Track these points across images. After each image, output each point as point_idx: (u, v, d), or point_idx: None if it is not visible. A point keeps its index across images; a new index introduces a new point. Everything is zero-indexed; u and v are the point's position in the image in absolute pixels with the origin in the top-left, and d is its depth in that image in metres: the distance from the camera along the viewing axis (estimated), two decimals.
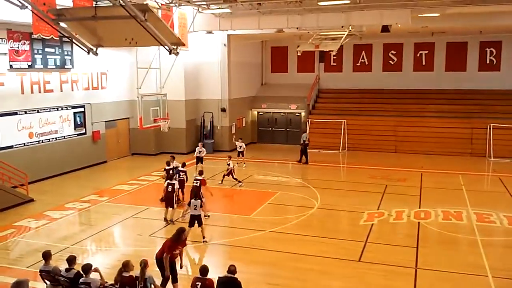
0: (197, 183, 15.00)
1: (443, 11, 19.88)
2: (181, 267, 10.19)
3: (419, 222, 14.68)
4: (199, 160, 21.20)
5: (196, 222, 12.96)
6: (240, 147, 22.85)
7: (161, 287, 9.47)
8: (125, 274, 8.49)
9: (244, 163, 22.87)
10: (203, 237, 13.09)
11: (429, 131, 26.50)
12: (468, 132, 25.94)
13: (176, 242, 9.83)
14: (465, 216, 15.28)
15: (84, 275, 8.53)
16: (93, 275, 8.62)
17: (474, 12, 20.40)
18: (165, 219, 14.77)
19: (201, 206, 13.19)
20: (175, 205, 14.68)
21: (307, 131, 26.74)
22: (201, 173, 15.68)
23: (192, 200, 13.03)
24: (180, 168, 16.66)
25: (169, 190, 14.59)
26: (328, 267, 11.52)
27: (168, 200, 14.64)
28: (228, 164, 19.17)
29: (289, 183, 20.42)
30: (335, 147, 27.17)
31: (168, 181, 14.95)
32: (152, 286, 8.45)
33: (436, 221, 14.86)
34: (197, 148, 21.45)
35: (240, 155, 22.91)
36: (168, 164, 16.97)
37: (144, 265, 8.46)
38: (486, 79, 28.20)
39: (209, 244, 13.17)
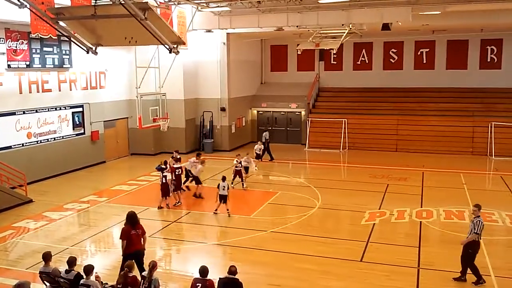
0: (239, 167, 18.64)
1: (444, 9, 19.77)
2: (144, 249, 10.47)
3: (421, 222, 14.60)
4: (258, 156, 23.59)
5: (223, 201, 15.36)
6: (260, 149, 23.73)
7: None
8: (129, 275, 8.46)
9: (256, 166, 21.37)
10: (227, 210, 15.38)
11: (430, 130, 26.41)
12: (469, 131, 25.86)
13: (133, 225, 10.17)
14: (467, 215, 15.18)
15: (84, 277, 8.42)
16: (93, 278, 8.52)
17: (475, 9, 20.30)
18: (160, 207, 16.25)
19: (228, 188, 15.58)
20: (170, 194, 16.41)
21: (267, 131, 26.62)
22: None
23: (221, 183, 15.46)
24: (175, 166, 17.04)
25: (163, 182, 16.16)
26: (330, 267, 11.43)
27: (165, 190, 16.19)
28: (240, 163, 18.93)
29: (289, 182, 20.32)
30: (335, 146, 27.07)
31: (163, 174, 16.33)
32: None
33: (438, 220, 14.78)
34: (256, 146, 23.54)
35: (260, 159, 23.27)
36: (165, 163, 16.98)
37: (152, 266, 8.46)
38: (487, 77, 28.11)
39: (209, 244, 13.08)
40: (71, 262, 8.83)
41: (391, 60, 30.15)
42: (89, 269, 8.41)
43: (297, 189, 18.90)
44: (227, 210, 15.38)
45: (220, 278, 8.45)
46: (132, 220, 10.23)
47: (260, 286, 10.48)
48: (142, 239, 10.29)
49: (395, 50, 29.95)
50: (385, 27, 21.80)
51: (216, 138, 27.46)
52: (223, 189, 15.36)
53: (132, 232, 10.11)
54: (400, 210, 15.72)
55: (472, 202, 16.36)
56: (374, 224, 14.50)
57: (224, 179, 15.74)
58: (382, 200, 17.04)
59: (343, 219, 15.58)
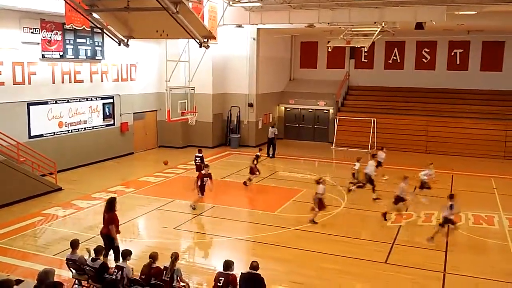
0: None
1: (480, 9, 19.25)
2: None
3: (448, 226, 14.24)
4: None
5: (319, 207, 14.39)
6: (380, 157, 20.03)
7: (115, 258, 10.30)
8: (153, 265, 8.59)
9: (384, 176, 18.82)
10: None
11: (462, 132, 25.84)
12: (502, 135, 25.17)
13: (111, 211, 10.72)
14: (497, 221, 14.82)
15: (121, 260, 8.92)
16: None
17: None
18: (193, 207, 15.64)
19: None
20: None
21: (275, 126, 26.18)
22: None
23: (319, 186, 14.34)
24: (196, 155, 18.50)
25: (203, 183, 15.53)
26: (353, 268, 11.31)
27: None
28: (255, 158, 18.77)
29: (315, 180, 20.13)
30: (363, 146, 26.73)
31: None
32: (178, 278, 8.48)
33: (466, 225, 14.44)
34: (379, 153, 19.89)
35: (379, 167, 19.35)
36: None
37: (175, 257, 8.59)
38: None
39: (232, 239, 13.12)
40: (98, 251, 9.02)
41: (423, 60, 29.56)
42: (126, 253, 8.86)
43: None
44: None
45: (242, 273, 8.48)
46: (107, 205, 10.89)
47: (282, 283, 10.46)
48: (108, 225, 10.68)
49: (428, 50, 29.35)
50: (419, 26, 21.34)
51: (243, 134, 27.49)
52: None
53: (105, 215, 10.80)
54: (427, 213, 15.43)
55: (502, 208, 16.02)
56: (400, 226, 14.28)
57: (319, 182, 14.43)
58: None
59: (368, 220, 15.37)
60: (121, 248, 9.93)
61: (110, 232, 10.61)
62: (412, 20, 20.62)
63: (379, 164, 18.86)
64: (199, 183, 15.39)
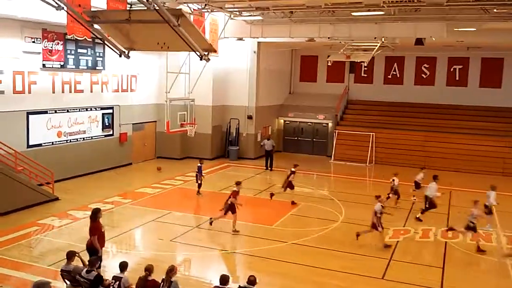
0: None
1: (479, 26, 19.39)
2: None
3: (446, 242, 14.23)
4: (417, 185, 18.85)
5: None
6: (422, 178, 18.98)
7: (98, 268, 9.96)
8: (149, 278, 8.54)
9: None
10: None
11: (460, 148, 25.85)
12: (500, 151, 25.20)
13: (95, 221, 10.63)
14: (495, 238, 14.75)
15: (120, 271, 8.78)
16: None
17: (511, 28, 19.82)
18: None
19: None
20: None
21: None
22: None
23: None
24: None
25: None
26: (350, 283, 11.23)
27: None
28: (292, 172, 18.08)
29: (313, 194, 20.11)
30: (362, 160, 26.73)
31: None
32: None
33: (464, 241, 14.36)
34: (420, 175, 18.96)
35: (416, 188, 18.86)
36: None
37: (170, 270, 8.51)
38: None
39: (229, 252, 13.03)
40: (92, 262, 8.95)
41: (423, 75, 29.69)
42: (123, 265, 8.82)
43: (321, 202, 18.71)
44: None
45: (239, 286, 8.42)
46: (92, 216, 10.78)
47: None
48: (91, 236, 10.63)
49: (427, 66, 29.50)
50: (419, 42, 21.49)
51: (242, 146, 27.48)
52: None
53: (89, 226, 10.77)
54: (425, 228, 15.39)
55: (501, 225, 15.92)
56: (398, 241, 14.22)
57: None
58: (407, 218, 16.70)
59: (366, 235, 15.29)
60: (117, 260, 9.85)
61: (92, 244, 10.51)
62: (412, 36, 20.77)
63: (417, 185, 18.57)
64: (229, 202, 14.50)
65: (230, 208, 14.44)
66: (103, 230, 10.80)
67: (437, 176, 16.98)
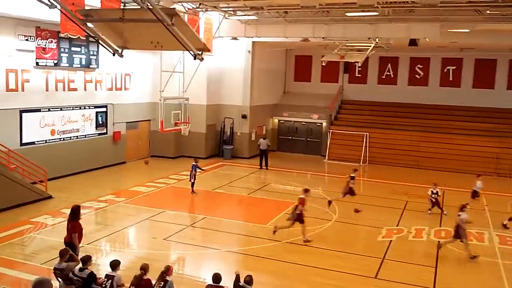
0: None
1: (473, 27, 19.51)
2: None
3: (439, 241, 14.29)
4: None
5: None
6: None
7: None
8: (144, 277, 8.54)
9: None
10: None
11: (454, 148, 25.98)
12: (494, 152, 25.34)
13: (74, 220, 10.57)
14: (487, 238, 14.85)
15: (112, 270, 8.76)
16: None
17: (504, 29, 19.96)
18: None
19: None
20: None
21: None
22: None
23: None
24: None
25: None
26: (343, 282, 11.27)
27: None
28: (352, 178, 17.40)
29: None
30: (355, 160, 26.81)
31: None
32: None
33: (456, 241, 14.42)
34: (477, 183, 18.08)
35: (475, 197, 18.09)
36: None
37: (166, 270, 8.51)
38: None
39: (223, 251, 13.05)
40: (85, 260, 8.93)
41: (416, 76, 29.82)
42: (115, 264, 8.78)
43: (315, 201, 18.70)
44: None
45: (236, 285, 8.43)
46: (71, 213, 10.74)
47: None
48: (71, 233, 10.58)
49: (421, 66, 29.63)
50: (413, 42, 21.59)
51: (236, 145, 27.49)
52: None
53: (68, 224, 10.74)
54: (418, 228, 15.46)
55: (493, 225, 16.06)
56: (391, 241, 14.28)
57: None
58: (401, 217, 16.79)
59: (359, 234, 15.38)
60: (110, 258, 9.82)
61: (72, 241, 10.49)
62: (406, 36, 20.87)
63: (475, 193, 17.91)
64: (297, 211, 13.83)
65: (298, 218, 13.75)
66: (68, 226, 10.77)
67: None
